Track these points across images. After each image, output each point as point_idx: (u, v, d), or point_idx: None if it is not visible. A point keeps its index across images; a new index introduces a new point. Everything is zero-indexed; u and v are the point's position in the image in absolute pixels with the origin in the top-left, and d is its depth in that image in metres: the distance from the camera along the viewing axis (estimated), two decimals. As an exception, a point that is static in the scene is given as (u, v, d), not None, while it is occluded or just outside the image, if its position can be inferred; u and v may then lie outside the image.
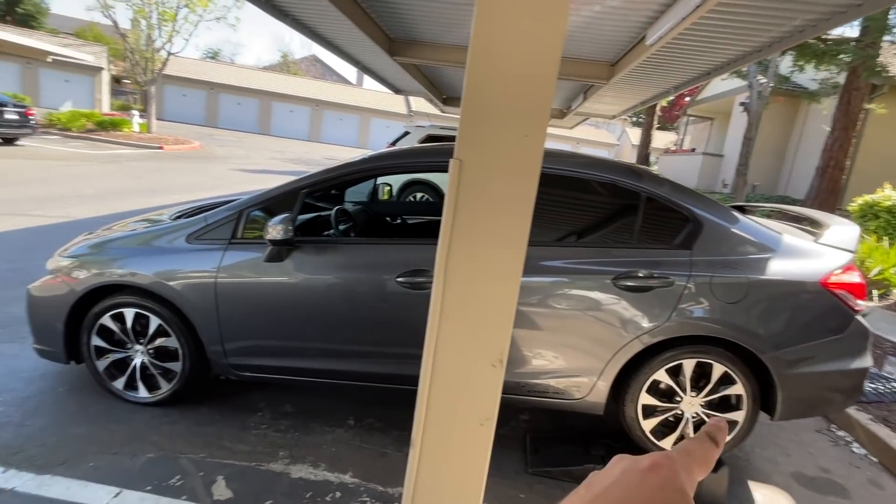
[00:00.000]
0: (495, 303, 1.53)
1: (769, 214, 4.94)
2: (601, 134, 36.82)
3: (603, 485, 0.32)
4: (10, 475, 2.02)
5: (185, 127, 26.62)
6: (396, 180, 7.50)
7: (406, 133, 9.03)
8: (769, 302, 2.29)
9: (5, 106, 11.86)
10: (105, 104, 26.26)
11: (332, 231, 2.90)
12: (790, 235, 2.50)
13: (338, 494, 2.13)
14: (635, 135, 30.17)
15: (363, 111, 35.67)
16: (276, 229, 2.22)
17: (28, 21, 32.60)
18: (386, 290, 2.34)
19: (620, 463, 0.33)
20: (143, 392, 2.58)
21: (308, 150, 25.52)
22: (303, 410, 2.72)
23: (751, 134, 12.08)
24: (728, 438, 2.37)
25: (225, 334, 2.44)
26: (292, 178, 2.62)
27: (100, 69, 25.92)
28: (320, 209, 3.33)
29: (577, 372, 2.39)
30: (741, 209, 2.97)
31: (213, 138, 23.00)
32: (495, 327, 1.55)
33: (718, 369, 2.32)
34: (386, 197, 4.61)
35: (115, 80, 29.32)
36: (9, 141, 12.41)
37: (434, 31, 6.47)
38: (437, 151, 2.61)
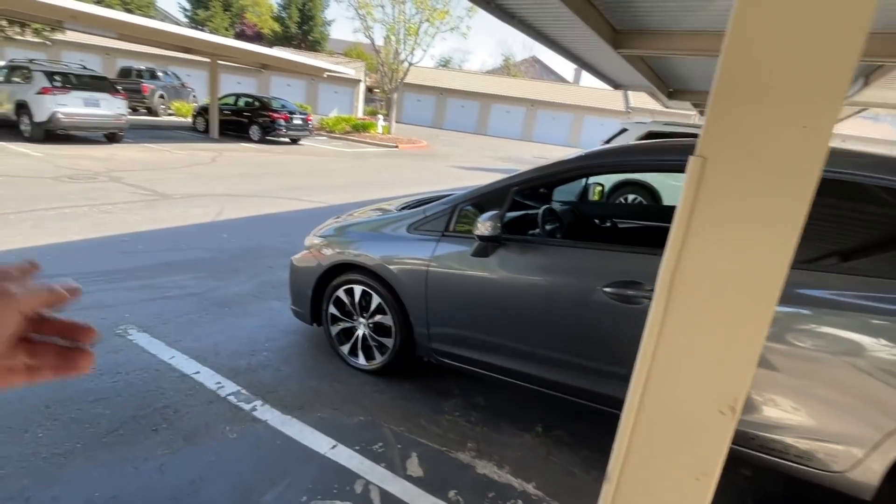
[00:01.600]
0: (737, 335, 1.23)
1: None
2: (881, 129, 28.55)
3: None
4: (265, 409, 2.52)
5: (417, 128, 30.11)
6: (607, 180, 7.05)
7: (623, 130, 8.43)
8: None
9: (294, 114, 15.19)
10: (360, 110, 31.55)
11: (538, 230, 2.83)
12: None
13: (519, 502, 2.07)
14: (948, 130, 22.47)
15: (577, 109, 34.86)
16: (484, 225, 2.25)
17: (315, 46, 41.15)
18: (591, 299, 2.16)
19: None
20: (361, 360, 2.94)
21: (519, 148, 26.18)
22: (493, 406, 2.74)
23: None
24: None
25: (431, 319, 2.60)
26: (502, 174, 2.64)
27: (358, 81, 31.18)
28: (528, 207, 3.29)
29: (837, 438, 1.82)
30: None
31: (438, 138, 25.43)
32: (733, 366, 1.25)
33: None
34: (597, 198, 4.34)
35: (369, 90, 34.87)
36: (294, 141, 15.87)
37: (666, 18, 5.81)
38: (666, 148, 2.30)
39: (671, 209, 1.26)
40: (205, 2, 39.24)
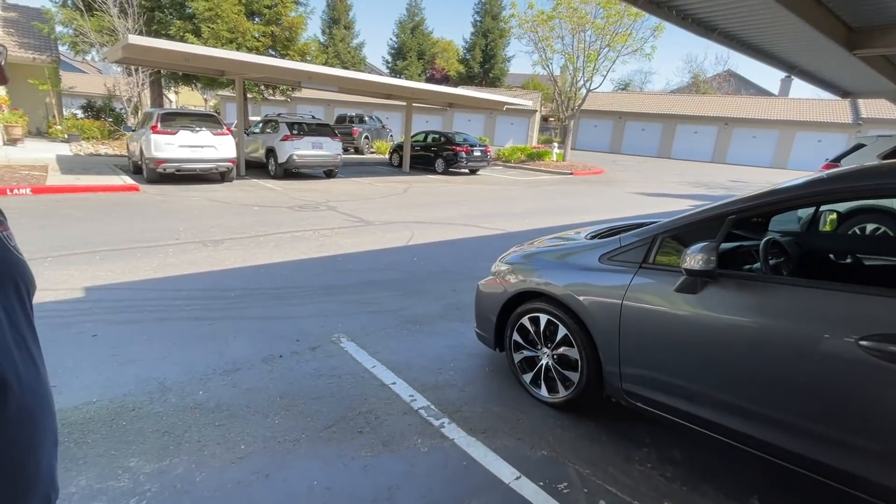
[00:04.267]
0: None
1: None
2: None
3: None
4: (452, 428, 2.62)
5: (593, 154, 29.26)
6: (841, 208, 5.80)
7: (859, 146, 6.92)
8: None
9: (474, 146, 16.14)
10: (534, 139, 32.06)
11: (756, 265, 2.44)
12: None
13: (736, 588, 1.75)
14: None
15: (784, 125, 30.02)
16: (695, 258, 2.02)
17: (494, 82, 43.40)
18: (839, 353, 1.76)
19: None
20: (544, 391, 2.87)
21: (709, 172, 23.46)
22: (692, 464, 2.40)
23: None
24: None
25: (623, 357, 2.42)
26: (691, 201, 2.36)
27: (534, 111, 31.82)
28: (738, 238, 2.88)
29: None
30: None
31: (615, 164, 24.29)
32: None
33: None
34: (828, 228, 3.58)
35: (543, 119, 35.30)
36: (473, 171, 16.83)
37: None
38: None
39: None
40: (402, 53, 44.74)
